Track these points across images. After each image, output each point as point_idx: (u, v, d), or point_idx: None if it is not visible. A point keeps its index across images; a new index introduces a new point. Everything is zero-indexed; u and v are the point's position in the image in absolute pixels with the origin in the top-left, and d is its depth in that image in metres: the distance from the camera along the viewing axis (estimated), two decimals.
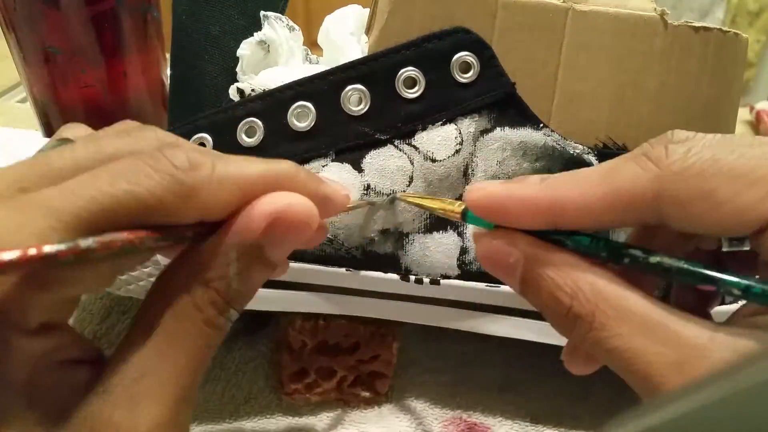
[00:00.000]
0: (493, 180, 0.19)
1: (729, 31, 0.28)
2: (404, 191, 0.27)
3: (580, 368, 0.21)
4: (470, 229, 0.28)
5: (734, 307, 0.27)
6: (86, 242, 0.14)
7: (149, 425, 0.16)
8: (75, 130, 0.20)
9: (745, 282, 0.16)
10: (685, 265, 0.16)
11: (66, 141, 0.18)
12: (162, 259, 0.26)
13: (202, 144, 0.27)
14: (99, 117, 0.40)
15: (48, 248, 0.13)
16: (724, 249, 0.20)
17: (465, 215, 0.20)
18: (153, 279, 0.26)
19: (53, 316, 0.16)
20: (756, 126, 0.63)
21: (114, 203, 0.15)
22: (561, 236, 0.18)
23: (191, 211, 0.16)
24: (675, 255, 0.17)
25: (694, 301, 0.21)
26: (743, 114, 0.64)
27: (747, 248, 0.19)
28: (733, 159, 0.16)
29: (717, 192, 0.16)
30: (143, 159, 0.16)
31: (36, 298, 0.15)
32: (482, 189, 0.18)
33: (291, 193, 0.17)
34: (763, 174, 0.16)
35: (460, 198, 0.27)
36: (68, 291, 0.15)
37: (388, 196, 0.27)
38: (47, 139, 0.31)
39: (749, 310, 0.17)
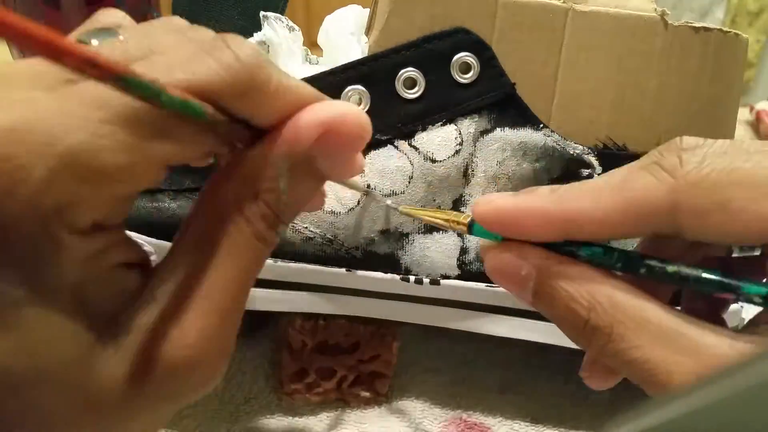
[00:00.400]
0: (501, 192, 0.18)
1: (729, 32, 0.28)
2: (403, 192, 0.27)
3: (599, 383, 0.21)
4: None
5: (743, 307, 0.27)
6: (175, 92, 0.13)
7: (196, 337, 0.15)
8: (113, 17, 0.18)
9: (766, 289, 0.16)
10: (704, 274, 0.16)
11: (110, 31, 0.17)
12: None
13: None
14: None
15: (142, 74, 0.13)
16: (735, 255, 0.20)
17: (471, 228, 0.19)
18: None
19: (106, 215, 0.15)
20: (756, 126, 0.63)
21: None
22: (573, 248, 0.18)
23: (242, 111, 0.15)
24: (690, 263, 0.17)
25: (705, 307, 0.21)
26: (743, 114, 0.64)
27: (757, 253, 0.19)
28: (749, 167, 0.16)
29: (733, 202, 0.16)
30: (203, 48, 0.15)
31: (90, 195, 0.14)
32: (490, 202, 0.18)
33: (343, 102, 0.17)
34: None
35: (460, 198, 0.27)
36: (122, 186, 0.15)
37: (388, 202, 0.27)
38: None
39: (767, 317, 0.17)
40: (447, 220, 0.21)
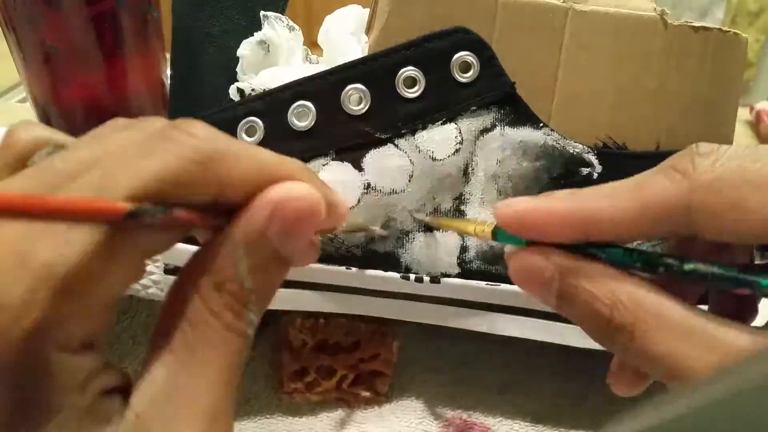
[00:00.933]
0: (521, 197, 0.19)
1: (729, 31, 0.28)
2: (404, 190, 0.27)
3: (626, 389, 0.21)
4: None
5: None
6: (155, 210, 0.14)
7: None
8: (35, 131, 0.17)
9: None
10: (720, 270, 0.17)
11: (59, 148, 0.17)
12: (161, 257, 0.26)
13: None
14: (99, 117, 0.40)
15: (130, 206, 0.13)
16: (757, 261, 0.21)
17: (496, 234, 0.20)
18: (153, 277, 0.26)
19: (92, 330, 0.14)
20: (756, 126, 0.63)
21: (134, 192, 0.14)
22: (594, 249, 0.18)
23: (210, 184, 0.15)
24: (709, 262, 0.17)
25: (732, 313, 0.21)
26: (743, 114, 0.64)
27: None
28: (758, 168, 0.16)
29: (746, 201, 0.16)
30: (155, 136, 0.15)
31: (74, 307, 0.13)
32: (510, 206, 0.18)
33: (296, 182, 0.16)
34: None
35: (460, 197, 0.27)
36: (104, 291, 0.14)
37: (415, 215, 0.27)
38: None
39: None
40: (471, 230, 0.21)
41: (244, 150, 0.16)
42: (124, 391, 0.16)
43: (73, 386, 0.14)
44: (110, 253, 0.14)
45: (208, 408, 0.15)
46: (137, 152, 0.14)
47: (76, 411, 0.14)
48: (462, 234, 0.24)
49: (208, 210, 0.16)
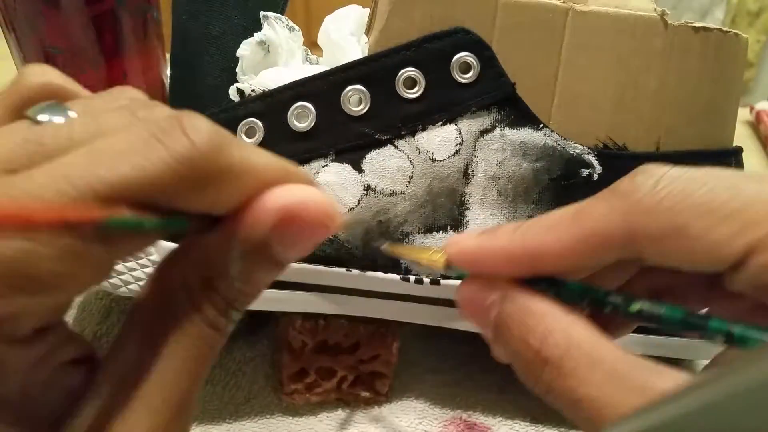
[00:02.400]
0: (468, 232, 0.18)
1: (729, 31, 0.28)
2: (404, 192, 0.27)
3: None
4: (471, 228, 0.28)
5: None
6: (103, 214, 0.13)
7: None
8: (45, 76, 0.16)
9: (727, 328, 0.15)
10: (667, 312, 0.16)
11: (59, 107, 0.15)
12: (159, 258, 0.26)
13: None
14: None
15: (101, 216, 0.12)
16: None
17: (448, 266, 0.19)
18: None
19: (46, 319, 0.14)
20: (756, 126, 0.63)
21: (110, 191, 0.13)
22: (542, 284, 0.18)
23: (199, 203, 0.14)
24: (655, 301, 0.16)
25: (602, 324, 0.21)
26: (743, 114, 0.64)
27: None
28: (703, 192, 0.15)
29: (689, 227, 0.15)
30: (154, 133, 0.13)
31: (29, 304, 0.13)
32: (457, 243, 0.18)
33: (308, 187, 0.15)
34: (735, 208, 0.15)
35: (460, 198, 0.27)
36: (65, 293, 0.14)
37: (379, 230, 0.27)
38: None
39: (733, 354, 0.16)
40: (426, 259, 0.21)
41: (253, 161, 0.15)
42: (90, 361, 0.15)
43: (25, 370, 0.13)
44: (78, 257, 0.13)
45: (171, 398, 0.15)
46: (127, 146, 0.13)
47: (32, 385, 0.14)
48: (416, 263, 0.24)
49: (196, 218, 0.15)
